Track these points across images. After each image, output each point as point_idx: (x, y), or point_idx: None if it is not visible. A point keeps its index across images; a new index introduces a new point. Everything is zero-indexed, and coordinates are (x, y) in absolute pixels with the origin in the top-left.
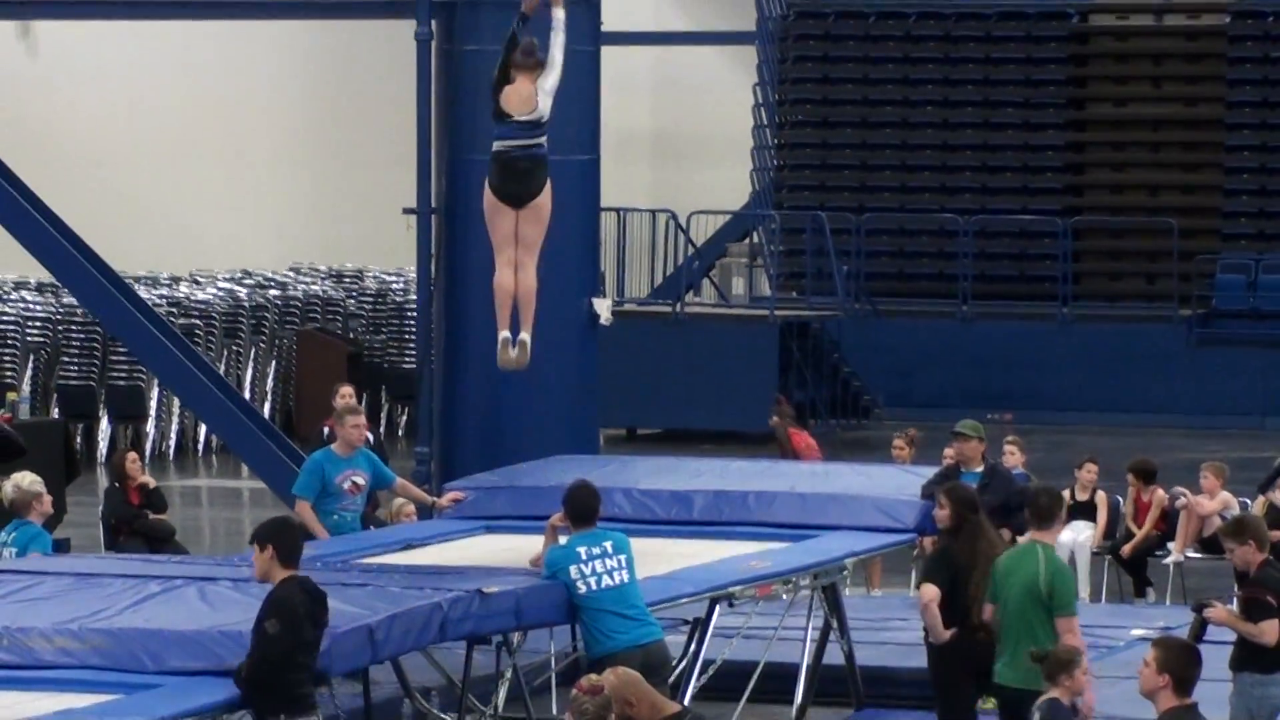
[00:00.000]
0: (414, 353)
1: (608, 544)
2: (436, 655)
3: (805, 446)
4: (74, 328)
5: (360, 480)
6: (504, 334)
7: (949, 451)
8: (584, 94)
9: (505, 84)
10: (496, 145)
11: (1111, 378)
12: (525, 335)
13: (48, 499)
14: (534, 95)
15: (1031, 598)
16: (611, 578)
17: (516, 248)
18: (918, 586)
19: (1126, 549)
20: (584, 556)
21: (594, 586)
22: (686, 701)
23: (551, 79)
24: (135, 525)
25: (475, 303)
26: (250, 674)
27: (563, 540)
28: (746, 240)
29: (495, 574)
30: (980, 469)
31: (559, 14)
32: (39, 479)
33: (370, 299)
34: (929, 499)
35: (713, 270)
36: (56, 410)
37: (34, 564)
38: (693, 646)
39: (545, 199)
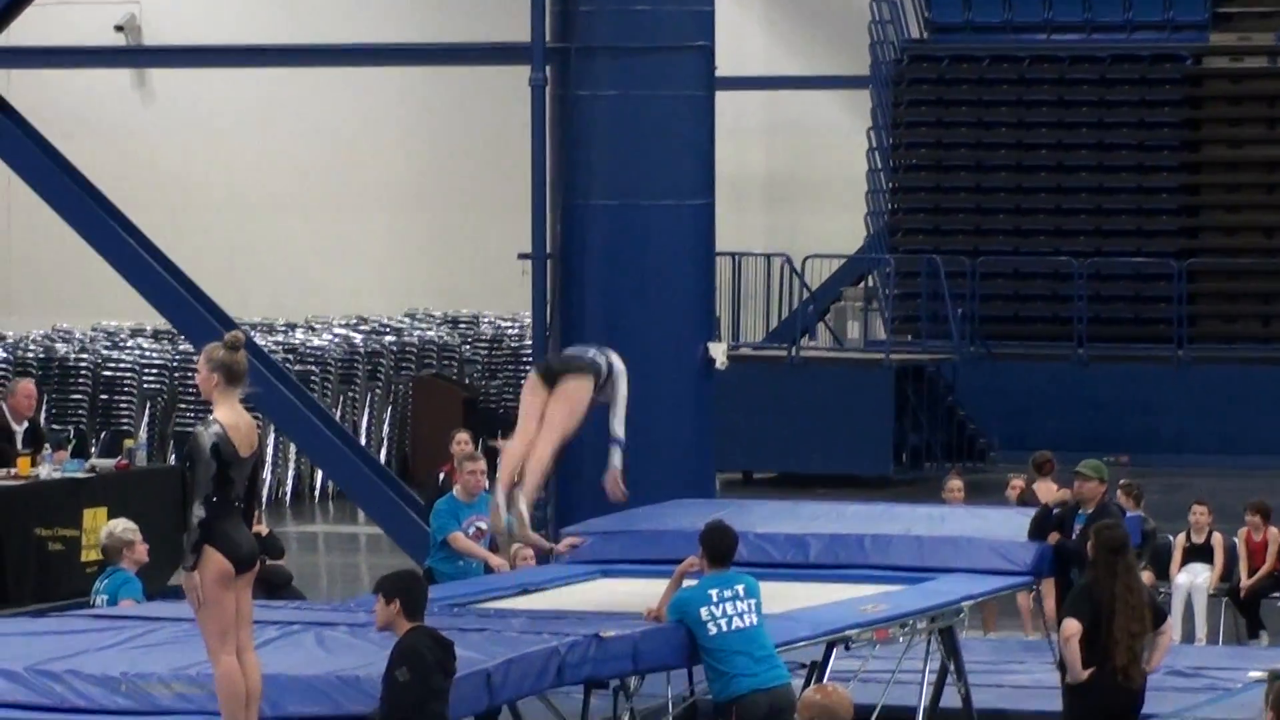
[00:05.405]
0: None
1: (739, 586)
2: (554, 700)
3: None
4: (190, 374)
5: (484, 525)
6: (500, 495)
7: (1039, 487)
8: (698, 139)
9: None
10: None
11: (1227, 419)
12: (523, 507)
13: (141, 547)
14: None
15: None
16: (742, 620)
17: (539, 427)
18: (1059, 621)
19: (1244, 590)
20: (715, 599)
21: (724, 628)
22: None
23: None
24: None
25: None
26: None
27: (689, 583)
28: (861, 284)
29: (612, 618)
30: (1091, 510)
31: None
32: (133, 526)
33: (486, 344)
34: (1034, 539)
35: (827, 314)
36: (173, 457)
37: (152, 609)
38: None
39: (578, 385)
